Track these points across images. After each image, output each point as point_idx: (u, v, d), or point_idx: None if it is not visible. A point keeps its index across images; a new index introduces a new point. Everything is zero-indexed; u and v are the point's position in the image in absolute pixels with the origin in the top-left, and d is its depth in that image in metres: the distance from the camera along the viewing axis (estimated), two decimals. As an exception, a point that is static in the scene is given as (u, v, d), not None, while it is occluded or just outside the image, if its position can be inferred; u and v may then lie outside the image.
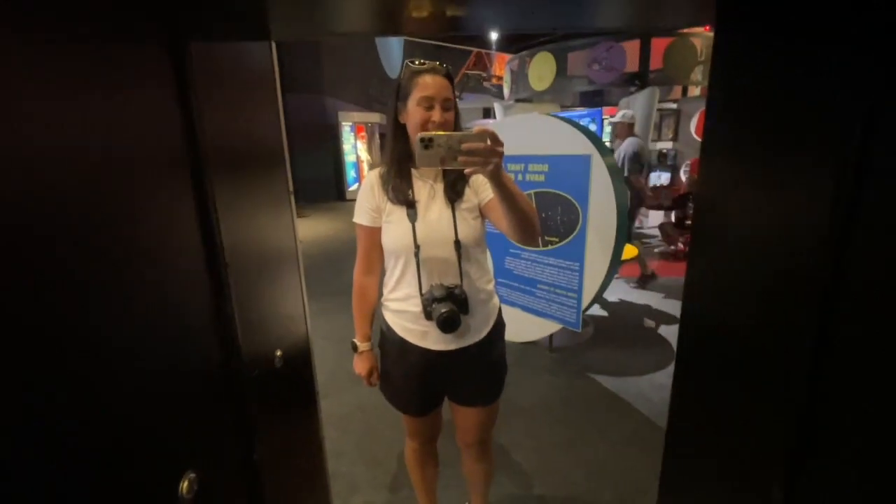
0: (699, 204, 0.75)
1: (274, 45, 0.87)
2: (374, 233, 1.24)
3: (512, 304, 3.17)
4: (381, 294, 1.32)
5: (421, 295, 1.20)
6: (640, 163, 4.06)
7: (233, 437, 0.68)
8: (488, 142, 0.91)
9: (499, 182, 0.98)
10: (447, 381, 1.32)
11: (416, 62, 1.18)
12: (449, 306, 1.16)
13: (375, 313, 1.34)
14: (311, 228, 8.16)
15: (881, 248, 0.48)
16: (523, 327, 3.15)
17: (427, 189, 1.22)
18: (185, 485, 0.55)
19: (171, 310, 0.57)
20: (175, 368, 0.57)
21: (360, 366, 1.35)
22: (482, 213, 1.24)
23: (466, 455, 1.50)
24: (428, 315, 1.19)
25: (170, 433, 0.56)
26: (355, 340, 1.33)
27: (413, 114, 1.15)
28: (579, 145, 2.67)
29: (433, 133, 0.91)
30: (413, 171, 1.23)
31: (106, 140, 0.49)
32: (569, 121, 2.85)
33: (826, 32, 0.52)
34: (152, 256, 0.55)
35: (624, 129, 4.19)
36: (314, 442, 0.98)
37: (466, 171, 0.96)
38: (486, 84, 11.86)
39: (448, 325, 1.16)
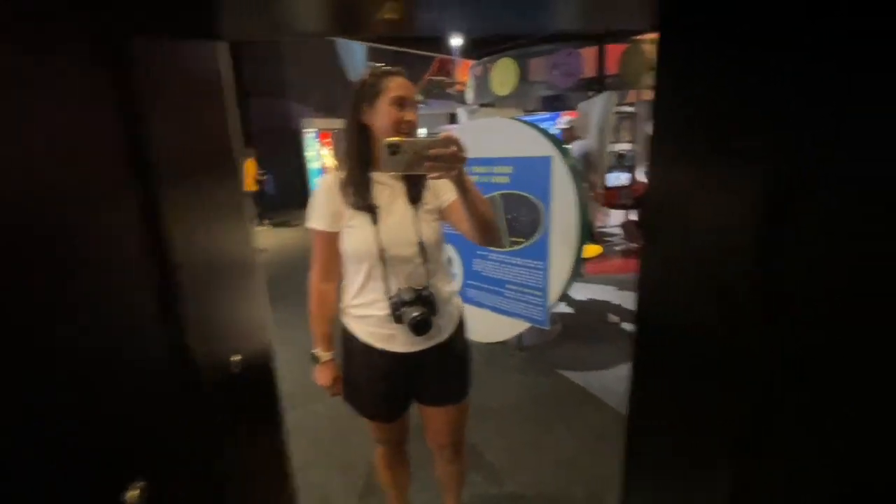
0: (648, 205, 0.78)
1: (227, 47, 0.85)
2: (333, 238, 1.22)
3: (481, 304, 3.20)
4: (338, 301, 1.30)
5: (388, 298, 1.19)
6: (588, 164, 4.44)
7: (188, 444, 0.65)
8: (453, 148, 0.95)
9: (462, 186, 1.04)
10: (415, 383, 1.32)
11: (382, 66, 1.19)
12: (420, 309, 1.16)
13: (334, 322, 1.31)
14: (276, 236, 7.95)
15: (805, 253, 0.52)
16: (493, 327, 3.18)
17: (387, 192, 1.22)
18: (134, 494, 0.52)
19: (116, 314, 0.54)
20: (119, 372, 0.54)
21: (323, 376, 1.32)
22: (442, 215, 1.27)
23: (440, 457, 1.49)
24: (397, 318, 1.18)
25: (115, 438, 0.53)
26: (315, 351, 1.30)
27: (385, 114, 1.15)
28: (540, 147, 2.73)
29: (400, 139, 0.94)
30: (373, 174, 1.21)
31: (31, 147, 0.46)
32: (530, 124, 2.91)
33: (760, 40, 0.55)
34: (92, 263, 0.52)
35: (569, 134, 4.62)
36: (279, 451, 0.95)
37: (432, 175, 1.00)
38: (449, 90, 11.95)
39: (420, 327, 1.16)
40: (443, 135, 0.96)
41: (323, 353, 1.30)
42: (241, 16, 0.71)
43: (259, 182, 9.00)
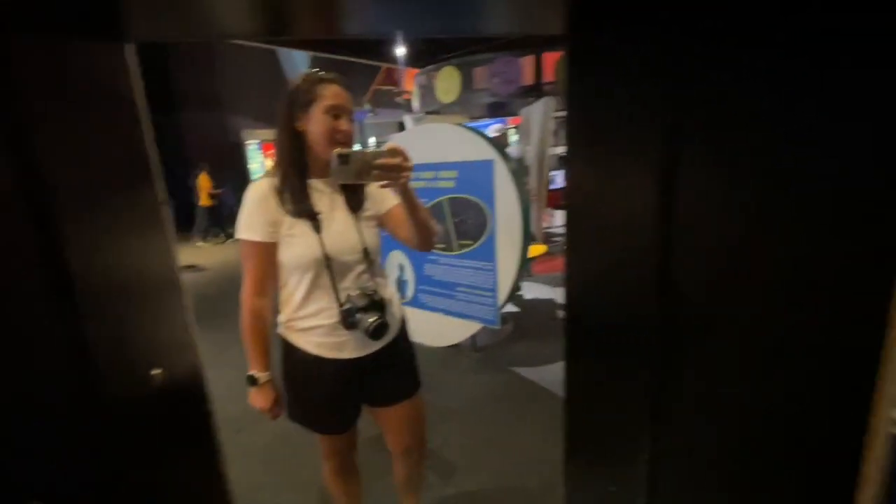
0: (568, 207, 0.83)
1: (134, 50, 0.80)
2: (271, 249, 1.16)
3: (434, 309, 3.21)
4: (272, 317, 1.24)
5: (339, 306, 1.17)
6: (525, 167, 4.75)
7: (94, 464, 0.61)
8: (399, 158, 1.01)
9: (407, 194, 1.10)
10: (367, 387, 1.30)
11: (318, 70, 1.17)
12: (375, 314, 1.17)
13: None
14: (219, 253, 7.57)
15: (692, 245, 0.58)
16: (447, 331, 3.21)
17: (326, 199, 1.20)
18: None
19: (5, 331, 0.50)
20: (8, 390, 0.50)
21: (262, 399, 1.23)
22: (380, 221, 1.29)
23: (406, 460, 1.46)
24: (350, 325, 1.17)
25: (6, 458, 0.48)
26: (253, 373, 1.21)
27: (319, 122, 1.13)
28: (482, 151, 2.81)
29: (350, 150, 0.99)
30: (310, 181, 1.19)
31: None
32: (471, 129, 2.99)
33: (661, 42, 0.60)
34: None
35: (500, 141, 4.98)
36: (213, 472, 0.89)
37: (380, 184, 1.05)
38: (398, 99, 11.98)
39: (379, 332, 1.17)
40: (389, 145, 1.01)
41: (261, 374, 1.21)
42: (148, 14, 0.68)
43: (213, 196, 8.55)
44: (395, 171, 1.02)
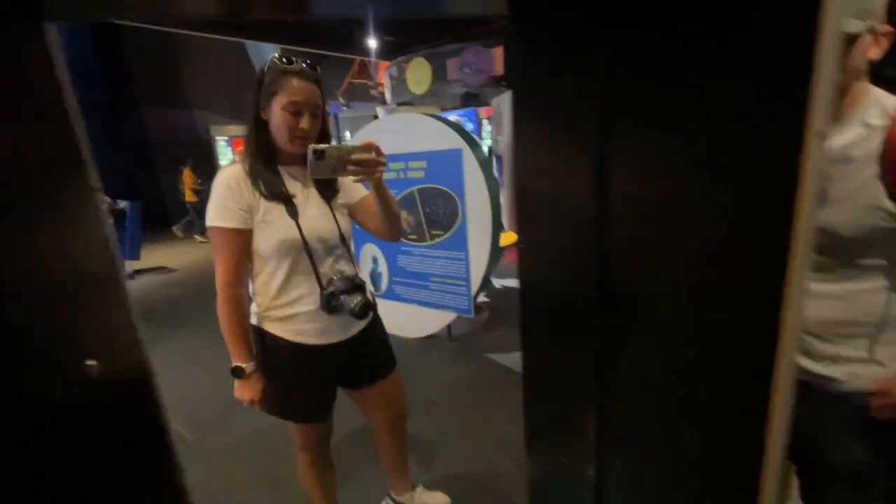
0: (516, 191, 0.84)
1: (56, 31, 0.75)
2: (246, 236, 1.14)
3: (408, 300, 3.21)
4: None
5: (322, 291, 1.18)
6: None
7: (16, 458, 0.58)
8: (373, 153, 1.05)
9: (381, 187, 1.14)
10: (347, 370, 1.32)
11: (284, 59, 1.13)
12: (359, 295, 1.19)
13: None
14: (189, 253, 7.35)
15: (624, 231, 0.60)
16: (422, 322, 3.21)
17: (299, 186, 1.20)
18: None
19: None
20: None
21: (250, 390, 1.19)
22: (350, 211, 1.31)
23: (390, 434, 1.52)
24: (333, 308, 1.18)
25: None
26: (238, 364, 1.17)
27: (278, 117, 1.11)
28: (451, 141, 2.80)
29: (325, 146, 1.02)
30: (280, 166, 1.18)
31: None
32: (440, 118, 2.98)
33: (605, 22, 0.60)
34: None
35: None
36: (162, 475, 0.85)
37: (355, 179, 1.10)
38: (372, 92, 11.84)
39: (363, 312, 1.20)
40: (363, 141, 1.05)
41: (247, 365, 1.17)
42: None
43: (197, 192, 8.37)
44: (369, 165, 1.05)
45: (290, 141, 1.13)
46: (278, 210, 1.14)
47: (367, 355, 1.35)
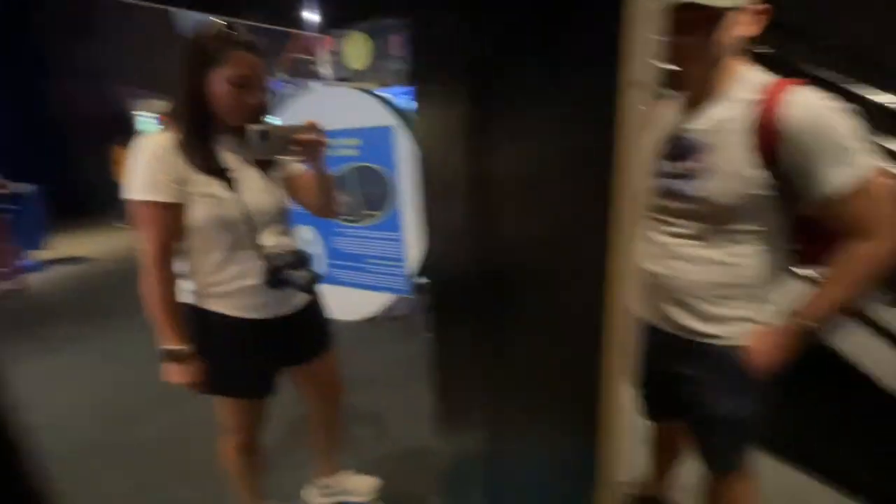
0: (419, 173, 0.83)
1: None
2: (177, 210, 1.06)
3: (345, 283, 3.14)
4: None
5: (266, 265, 1.13)
6: None
7: None
8: (315, 134, 1.06)
9: (321, 166, 1.16)
10: (289, 345, 1.29)
11: (229, 27, 1.04)
12: (307, 270, 1.19)
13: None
14: (104, 242, 6.64)
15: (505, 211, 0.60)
16: (359, 304, 3.16)
17: (236, 158, 1.13)
18: None
19: None
20: None
21: (187, 372, 1.13)
22: (284, 184, 1.27)
23: (327, 410, 1.49)
24: (277, 283, 1.14)
25: None
26: (171, 346, 1.10)
27: (224, 93, 1.03)
28: (382, 117, 2.73)
29: (267, 126, 1.01)
30: (215, 137, 1.10)
31: None
32: (371, 93, 2.88)
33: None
34: None
35: None
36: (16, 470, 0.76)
37: (297, 160, 1.12)
38: (313, 68, 11.31)
39: (310, 286, 1.20)
40: (307, 122, 1.05)
41: (183, 346, 1.11)
42: None
43: None
44: (312, 146, 1.06)
45: (234, 114, 1.06)
46: (215, 183, 1.08)
47: (310, 330, 1.34)
